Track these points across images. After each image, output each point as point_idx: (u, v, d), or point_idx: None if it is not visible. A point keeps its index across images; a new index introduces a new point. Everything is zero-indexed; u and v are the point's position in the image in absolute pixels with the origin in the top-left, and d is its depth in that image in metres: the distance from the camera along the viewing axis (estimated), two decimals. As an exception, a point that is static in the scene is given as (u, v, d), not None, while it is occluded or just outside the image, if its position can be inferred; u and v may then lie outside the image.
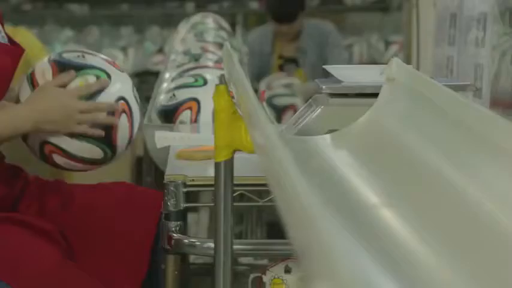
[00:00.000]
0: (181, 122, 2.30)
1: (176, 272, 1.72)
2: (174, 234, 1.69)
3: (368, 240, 1.00)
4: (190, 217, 2.63)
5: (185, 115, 2.31)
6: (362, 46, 4.61)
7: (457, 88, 1.77)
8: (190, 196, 1.76)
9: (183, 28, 3.53)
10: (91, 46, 4.83)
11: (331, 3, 4.67)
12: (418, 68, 3.09)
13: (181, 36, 3.36)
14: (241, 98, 1.27)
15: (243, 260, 2.39)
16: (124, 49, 4.78)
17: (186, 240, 1.70)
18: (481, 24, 2.19)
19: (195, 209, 2.77)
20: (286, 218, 0.71)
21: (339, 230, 0.66)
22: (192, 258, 2.49)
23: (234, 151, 1.49)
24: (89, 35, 4.86)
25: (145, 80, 4.29)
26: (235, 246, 1.56)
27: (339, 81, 1.65)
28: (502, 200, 0.94)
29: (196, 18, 3.61)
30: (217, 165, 1.50)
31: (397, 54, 4.04)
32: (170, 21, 4.64)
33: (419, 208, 1.07)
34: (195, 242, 1.72)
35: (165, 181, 1.73)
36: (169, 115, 2.33)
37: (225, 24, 3.58)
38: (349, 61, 4.42)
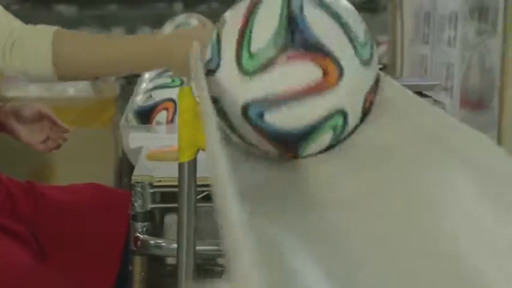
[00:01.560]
0: (158, 123, 2.29)
1: (143, 274, 1.72)
2: (140, 235, 1.69)
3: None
4: (170, 218, 2.62)
5: (162, 115, 2.31)
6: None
7: (425, 88, 1.76)
8: (169, 197, 1.76)
9: (167, 28, 3.52)
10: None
11: (319, 3, 4.65)
12: (401, 68, 3.09)
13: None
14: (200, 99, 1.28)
15: (221, 260, 2.39)
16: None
17: (152, 241, 1.69)
18: (452, 23, 2.18)
19: (175, 210, 2.76)
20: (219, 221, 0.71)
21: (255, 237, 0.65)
22: (169, 260, 2.49)
23: (198, 151, 1.48)
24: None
25: (132, 80, 4.29)
26: (199, 248, 1.55)
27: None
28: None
29: (181, 18, 3.60)
30: (180, 166, 1.49)
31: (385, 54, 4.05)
32: (159, 22, 4.64)
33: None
34: (160, 243, 1.71)
35: (132, 182, 1.72)
36: (146, 115, 2.33)
37: (210, 25, 3.57)
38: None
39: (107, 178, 3.20)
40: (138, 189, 1.71)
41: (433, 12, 2.40)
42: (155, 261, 2.04)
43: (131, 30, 4.95)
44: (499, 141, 1.99)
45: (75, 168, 3.33)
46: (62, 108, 3.55)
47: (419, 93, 1.81)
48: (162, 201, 1.84)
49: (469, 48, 2.09)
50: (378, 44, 4.71)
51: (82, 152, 3.40)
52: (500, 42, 1.95)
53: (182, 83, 2.36)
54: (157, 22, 4.81)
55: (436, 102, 1.79)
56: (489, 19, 2.00)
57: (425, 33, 2.50)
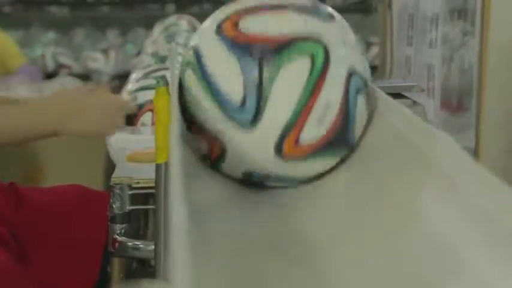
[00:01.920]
0: (143, 124, 2.29)
1: (122, 275, 1.71)
2: (118, 237, 1.68)
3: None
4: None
5: (146, 117, 2.31)
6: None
7: (403, 89, 1.77)
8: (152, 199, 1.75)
9: (157, 29, 3.53)
10: (73, 48, 4.83)
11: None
12: (391, 69, 3.09)
13: (154, 38, 3.36)
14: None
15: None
16: (105, 51, 4.78)
17: (130, 243, 1.69)
18: (434, 25, 2.18)
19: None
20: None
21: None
22: (152, 261, 2.48)
23: (175, 153, 1.48)
24: (71, 37, 4.86)
25: (125, 82, 4.28)
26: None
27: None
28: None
29: (171, 20, 3.61)
30: (157, 167, 1.49)
31: (377, 55, 4.05)
32: (151, 23, 4.64)
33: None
34: (138, 244, 1.71)
35: (110, 183, 1.72)
36: (131, 117, 2.33)
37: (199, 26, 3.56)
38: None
39: (96, 180, 3.19)
40: (117, 190, 1.71)
41: (416, 14, 2.40)
42: (139, 262, 2.04)
43: (125, 31, 4.95)
44: (477, 142, 1.99)
45: (66, 170, 3.33)
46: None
47: (398, 95, 1.81)
48: (145, 203, 1.84)
49: (449, 50, 2.09)
50: (370, 45, 4.72)
51: (72, 153, 3.40)
52: (478, 44, 1.95)
53: (167, 84, 2.36)
54: (150, 23, 4.82)
55: (414, 103, 1.79)
56: (468, 20, 2.00)
57: (409, 35, 2.50)
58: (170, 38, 3.21)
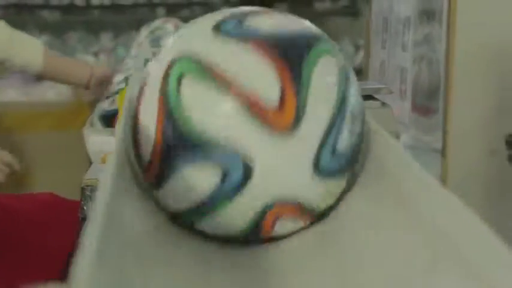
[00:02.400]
0: (123, 126, 2.31)
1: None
2: (88, 238, 1.70)
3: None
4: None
5: (125, 120, 2.32)
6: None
7: (372, 91, 1.78)
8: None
9: (143, 32, 3.53)
10: (65, 52, 4.85)
11: (300, 7, 4.69)
12: (367, 72, 3.10)
13: (140, 41, 3.37)
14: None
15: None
16: (97, 54, 4.80)
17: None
18: (406, 28, 2.20)
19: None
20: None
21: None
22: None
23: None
24: (63, 41, 4.88)
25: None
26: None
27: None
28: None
29: (157, 23, 3.62)
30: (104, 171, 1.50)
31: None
32: (142, 27, 4.65)
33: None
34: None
35: (81, 185, 1.73)
36: (110, 120, 2.34)
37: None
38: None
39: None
40: (87, 192, 1.72)
41: (390, 17, 2.42)
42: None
43: (116, 34, 4.96)
44: (444, 143, 2.01)
45: (54, 171, 3.34)
46: (40, 112, 3.57)
47: (370, 97, 1.83)
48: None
49: (419, 52, 2.10)
50: (358, 48, 4.72)
51: (60, 155, 3.41)
52: (445, 46, 1.97)
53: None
54: (140, 27, 4.83)
55: (383, 105, 1.80)
56: (435, 23, 2.02)
57: (383, 38, 2.51)
58: (155, 41, 3.22)
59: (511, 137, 1.58)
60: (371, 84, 1.99)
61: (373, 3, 2.75)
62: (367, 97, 1.79)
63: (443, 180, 2.00)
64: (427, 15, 2.05)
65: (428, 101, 2.04)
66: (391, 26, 2.39)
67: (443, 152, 2.01)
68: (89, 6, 4.79)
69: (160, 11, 4.76)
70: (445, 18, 1.94)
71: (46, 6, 4.78)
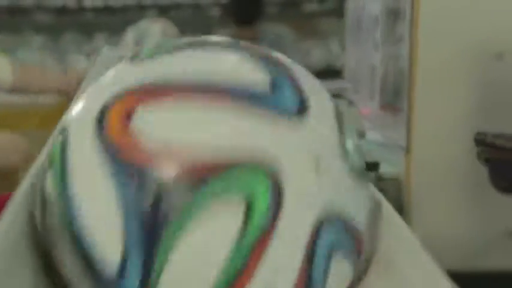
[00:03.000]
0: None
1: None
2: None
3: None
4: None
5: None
6: (320, 50, 4.67)
7: (338, 90, 1.81)
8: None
9: (130, 33, 3.56)
10: (59, 53, 4.90)
11: (289, 9, 4.72)
12: (343, 71, 3.13)
13: (126, 41, 3.40)
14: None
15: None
16: (89, 55, 4.84)
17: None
18: (376, 27, 2.22)
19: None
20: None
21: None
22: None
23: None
24: (56, 43, 4.92)
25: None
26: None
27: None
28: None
29: (144, 24, 3.65)
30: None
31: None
32: (134, 28, 4.68)
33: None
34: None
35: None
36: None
37: (172, 31, 3.60)
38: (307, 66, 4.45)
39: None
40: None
41: (362, 15, 2.44)
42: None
43: (109, 35, 4.99)
44: (408, 141, 2.03)
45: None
46: (27, 111, 3.60)
47: (337, 96, 1.85)
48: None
49: (388, 51, 2.12)
50: (345, 48, 4.75)
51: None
52: (408, 45, 1.99)
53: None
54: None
55: (350, 103, 1.83)
56: (401, 22, 2.04)
57: (357, 37, 2.53)
58: (139, 42, 3.25)
59: (480, 135, 1.60)
60: (337, 84, 2.02)
61: (348, 1, 2.78)
62: (334, 96, 1.82)
63: (407, 176, 2.02)
64: (395, 14, 2.07)
65: (395, 99, 2.07)
66: (364, 24, 2.42)
67: (407, 149, 2.04)
68: (81, 8, 4.83)
69: (152, 12, 4.79)
70: (408, 17, 1.97)
71: (39, 8, 4.82)
